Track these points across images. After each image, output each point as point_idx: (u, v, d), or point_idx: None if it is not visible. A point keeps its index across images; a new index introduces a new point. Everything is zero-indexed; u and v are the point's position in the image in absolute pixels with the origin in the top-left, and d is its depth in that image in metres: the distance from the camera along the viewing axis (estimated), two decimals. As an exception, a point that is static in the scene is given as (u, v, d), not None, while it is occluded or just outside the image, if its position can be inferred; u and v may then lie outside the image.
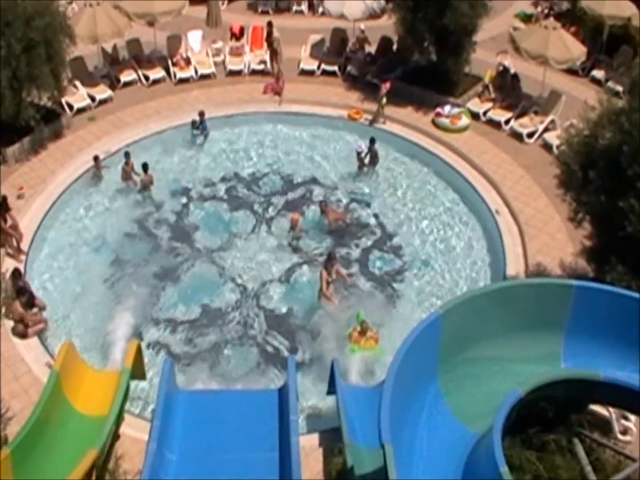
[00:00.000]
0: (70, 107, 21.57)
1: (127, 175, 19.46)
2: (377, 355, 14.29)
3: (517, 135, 20.95)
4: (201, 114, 21.23)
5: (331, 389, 12.49)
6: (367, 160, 20.26)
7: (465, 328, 10.70)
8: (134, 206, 18.97)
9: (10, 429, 11.43)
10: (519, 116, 21.40)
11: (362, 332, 14.61)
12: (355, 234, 18.30)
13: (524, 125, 21.10)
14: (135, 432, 12.14)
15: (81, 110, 21.66)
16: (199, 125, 21.33)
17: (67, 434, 10.79)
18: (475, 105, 22.08)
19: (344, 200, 19.43)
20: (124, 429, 11.92)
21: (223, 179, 20.18)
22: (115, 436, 11.47)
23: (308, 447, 11.64)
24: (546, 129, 20.93)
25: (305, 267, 17.21)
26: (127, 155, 19.60)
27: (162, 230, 18.27)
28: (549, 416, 10.79)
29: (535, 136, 20.84)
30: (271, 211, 19.05)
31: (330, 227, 18.28)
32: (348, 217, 18.74)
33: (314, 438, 12.20)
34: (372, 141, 20.11)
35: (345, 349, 14.46)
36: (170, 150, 21.07)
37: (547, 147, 20.38)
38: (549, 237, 17.41)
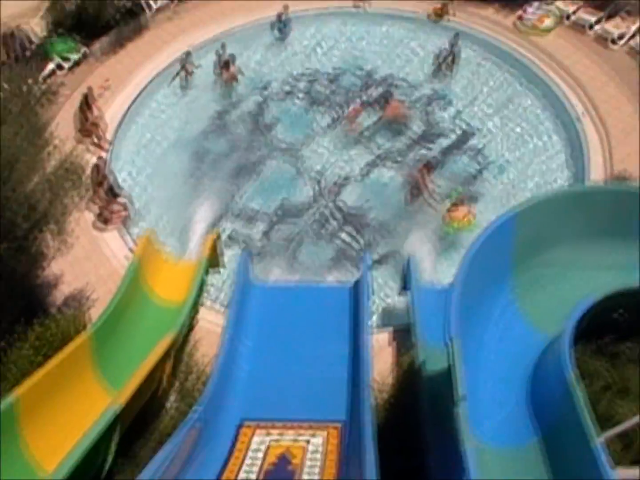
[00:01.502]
0: (150, 6, 21.14)
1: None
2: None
3: (602, 40, 19.53)
4: (285, 7, 20.49)
5: (405, 287, 12.32)
6: (447, 61, 19.34)
7: (541, 230, 10.33)
8: (216, 101, 18.60)
9: (94, 311, 11.65)
10: (609, 17, 19.99)
11: (458, 205, 14.36)
12: (432, 135, 17.53)
13: (612, 27, 19.69)
14: (211, 320, 12.21)
15: (161, 10, 21.20)
16: (282, 21, 20.62)
17: (145, 320, 11.01)
18: (564, 4, 20.70)
19: (422, 100, 18.56)
20: (201, 316, 12.02)
21: (303, 75, 19.46)
22: (191, 324, 11.62)
23: (380, 342, 11.51)
24: (635, 34, 19.48)
25: (383, 166, 16.65)
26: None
27: (242, 125, 17.91)
28: (622, 326, 10.51)
29: (623, 40, 19.42)
30: (349, 109, 18.28)
31: (387, 120, 17.52)
32: (408, 115, 17.84)
33: (386, 334, 12.05)
34: (455, 39, 19.13)
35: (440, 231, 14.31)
36: (251, 46, 20.42)
37: (634, 52, 19.00)
38: (632, 146, 16.41)
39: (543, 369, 9.09)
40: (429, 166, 15.63)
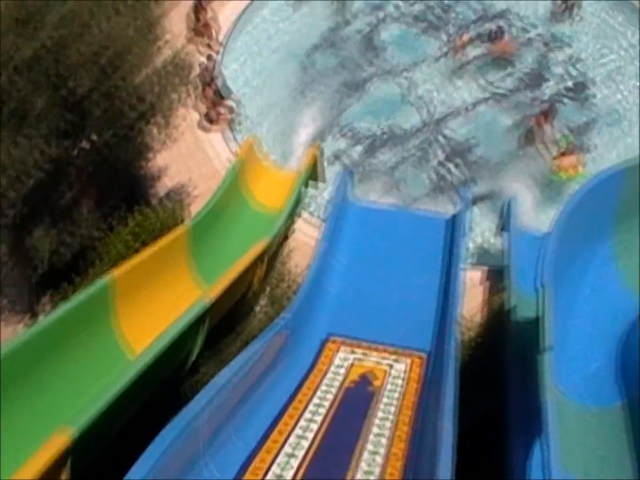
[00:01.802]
0: None
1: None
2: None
3: None
4: None
5: (503, 228, 11.96)
6: (569, 4, 18.25)
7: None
8: (329, 17, 18.03)
9: (193, 207, 11.74)
10: None
11: (566, 154, 13.82)
12: (543, 77, 16.68)
13: None
14: (308, 232, 12.17)
15: None
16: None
17: (242, 222, 11.02)
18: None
19: (536, 41, 17.55)
20: (297, 227, 12.01)
21: (418, 1, 18.53)
22: (287, 232, 11.59)
23: (472, 280, 11.26)
24: None
25: (491, 103, 16.02)
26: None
27: (353, 44, 17.37)
28: None
29: None
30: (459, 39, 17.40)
31: (495, 56, 16.77)
32: (517, 52, 16.98)
33: (479, 273, 11.79)
34: None
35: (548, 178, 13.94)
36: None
37: None
38: None
39: (636, 332, 8.71)
40: (549, 113, 14.94)
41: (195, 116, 14.59)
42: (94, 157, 11.06)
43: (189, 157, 13.63)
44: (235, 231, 10.72)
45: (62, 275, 9.64)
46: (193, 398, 6.23)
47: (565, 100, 16.18)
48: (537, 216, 13.16)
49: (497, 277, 11.17)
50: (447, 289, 9.69)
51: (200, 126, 14.58)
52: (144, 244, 9.76)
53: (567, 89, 16.45)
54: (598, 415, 7.81)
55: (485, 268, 11.98)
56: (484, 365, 9.12)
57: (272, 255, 10.72)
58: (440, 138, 15.25)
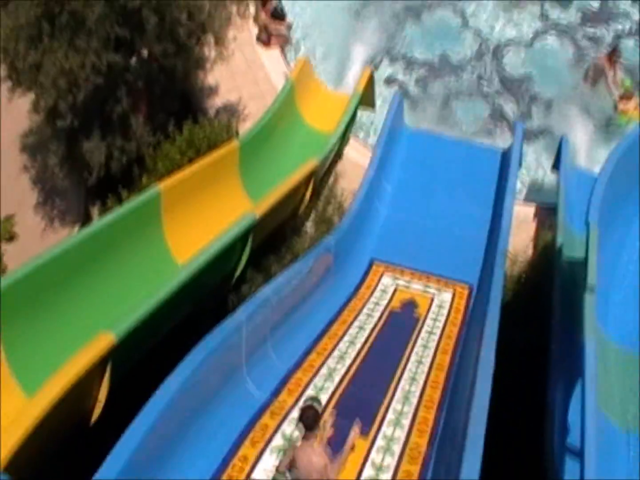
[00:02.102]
0: None
1: None
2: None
3: None
4: None
5: (556, 166, 11.60)
6: None
7: None
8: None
9: (244, 126, 11.58)
10: None
11: (628, 98, 13.29)
12: (608, 15, 15.63)
13: None
14: (358, 156, 11.92)
15: None
16: None
17: (293, 142, 10.90)
18: None
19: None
20: (346, 151, 11.76)
21: None
22: (337, 155, 11.37)
23: (522, 216, 10.99)
24: None
25: (552, 37, 15.26)
26: None
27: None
28: None
29: None
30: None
31: None
32: None
33: (530, 209, 11.50)
34: None
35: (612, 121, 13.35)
36: None
37: None
38: None
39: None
40: (615, 53, 14.29)
41: (251, 34, 14.28)
42: (146, 69, 10.94)
43: (243, 74, 13.33)
44: (286, 149, 10.61)
45: (112, 187, 9.63)
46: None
47: (629, 41, 15.52)
48: (592, 156, 12.83)
49: (548, 214, 10.89)
50: (496, 221, 9.44)
51: (256, 44, 14.27)
52: (197, 153, 9.68)
53: (633, 29, 15.73)
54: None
55: (537, 205, 11.67)
56: (529, 301, 8.96)
57: (321, 177, 10.57)
58: (496, 70, 14.66)
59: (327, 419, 5.70)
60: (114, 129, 10.51)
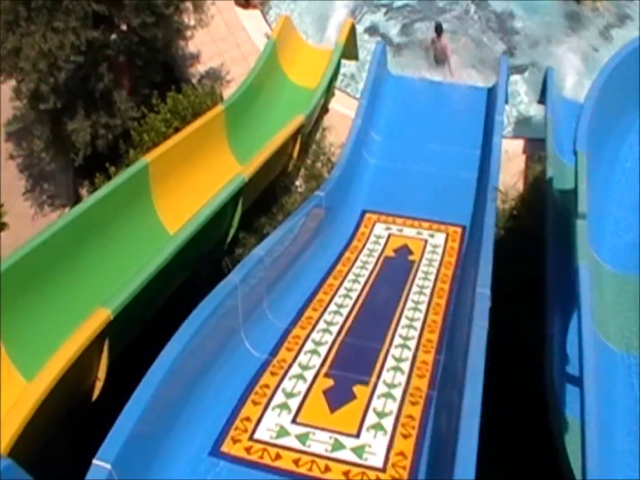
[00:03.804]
0: None
1: None
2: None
3: None
4: None
5: (542, 98, 11.34)
6: None
7: None
8: None
9: (228, 90, 11.37)
10: None
11: None
12: None
13: None
14: (343, 108, 11.72)
15: None
16: None
17: (278, 101, 10.64)
18: None
19: None
20: (332, 104, 11.55)
21: None
22: (323, 109, 11.14)
23: (511, 151, 10.78)
24: None
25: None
26: None
27: None
28: None
29: None
30: None
31: None
32: None
33: (519, 143, 11.29)
34: None
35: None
36: None
37: None
38: None
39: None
40: None
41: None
42: (126, 43, 10.70)
43: (224, 38, 13.12)
44: (271, 109, 10.36)
45: (100, 165, 9.48)
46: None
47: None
48: (578, 87, 12.56)
49: (537, 147, 10.68)
50: (486, 160, 9.22)
51: (235, 6, 13.97)
52: (184, 122, 9.51)
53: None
54: (633, 282, 7.50)
55: (526, 138, 11.45)
56: (522, 235, 8.82)
57: (308, 132, 10.36)
58: (477, 9, 14.32)
59: None
60: (97, 106, 10.33)
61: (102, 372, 5.92)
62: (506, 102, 10.54)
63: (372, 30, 14.00)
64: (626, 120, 8.93)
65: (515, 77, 12.66)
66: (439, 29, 13.37)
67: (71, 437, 5.66)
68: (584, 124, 7.61)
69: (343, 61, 11.91)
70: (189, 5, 11.23)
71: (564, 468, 5.86)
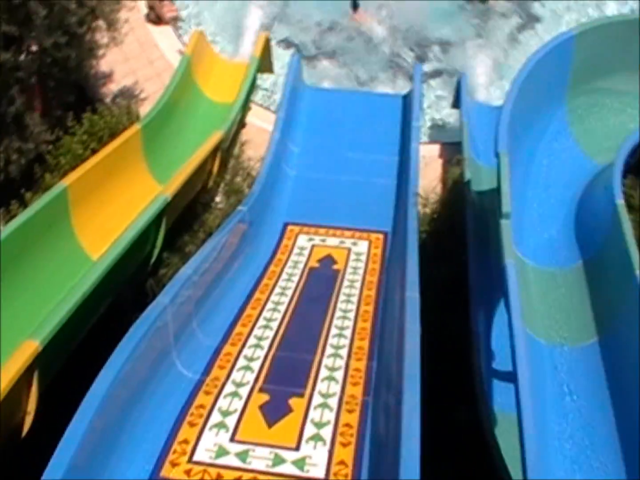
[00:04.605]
0: None
1: None
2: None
3: None
4: None
5: (456, 104, 11.62)
6: None
7: (601, 55, 9.46)
8: None
9: (143, 109, 11.21)
10: None
11: None
12: None
13: None
14: (261, 122, 11.70)
15: None
16: None
17: (195, 117, 10.54)
18: None
19: None
20: (249, 119, 11.53)
21: None
22: (240, 124, 11.12)
23: (428, 156, 10.99)
24: None
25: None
26: None
27: None
28: None
29: None
30: None
31: None
32: None
33: (435, 148, 11.51)
34: None
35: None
36: None
37: None
38: None
39: (591, 195, 8.62)
40: None
41: (140, 15, 13.79)
42: (37, 64, 10.41)
43: (137, 57, 12.88)
44: (188, 126, 10.24)
45: (14, 192, 9.18)
46: (156, 297, 6.01)
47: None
48: (490, 91, 12.90)
49: (453, 151, 10.92)
50: (404, 166, 9.39)
51: (147, 23, 13.79)
52: (101, 143, 9.31)
53: None
54: (556, 276, 7.76)
55: (442, 143, 11.68)
56: (444, 236, 8.99)
57: (227, 148, 10.31)
58: (387, 20, 14.49)
59: None
60: (9, 131, 10.01)
61: (32, 406, 5.74)
62: (421, 107, 10.78)
63: (285, 42, 14.00)
64: (541, 120, 9.29)
65: (430, 84, 12.91)
66: (355, 5, 13.84)
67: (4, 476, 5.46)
68: (504, 125, 7.85)
69: (259, 74, 11.91)
70: (101, 23, 11.02)
71: (496, 461, 6.00)
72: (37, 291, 6.73)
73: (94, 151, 9.02)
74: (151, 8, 13.94)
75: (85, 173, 7.77)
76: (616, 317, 6.61)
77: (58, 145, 9.76)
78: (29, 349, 5.61)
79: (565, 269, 7.80)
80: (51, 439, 4.37)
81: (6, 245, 6.57)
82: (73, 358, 6.39)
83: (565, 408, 6.07)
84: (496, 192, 7.47)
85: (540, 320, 7.04)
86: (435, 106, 12.84)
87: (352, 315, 7.05)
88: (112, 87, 12.08)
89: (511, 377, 5.77)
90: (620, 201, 7.48)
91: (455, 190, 9.93)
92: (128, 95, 11.81)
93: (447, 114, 12.46)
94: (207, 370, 6.08)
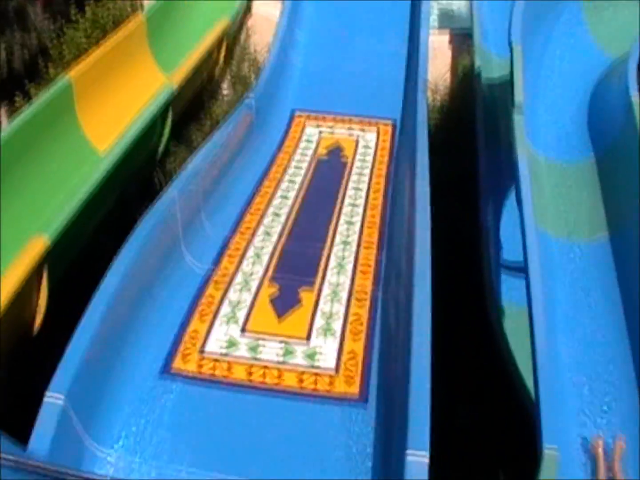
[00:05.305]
0: None
1: None
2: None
3: None
4: None
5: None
6: None
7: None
8: None
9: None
10: None
11: None
12: None
13: None
14: (267, 8, 11.02)
15: None
16: None
17: (200, 6, 9.88)
18: None
19: None
20: (255, 6, 10.91)
21: None
22: (247, 11, 10.53)
23: (438, 45, 10.42)
24: None
25: None
26: None
27: None
28: None
29: None
30: None
31: None
32: None
33: (444, 37, 10.94)
34: None
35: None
36: None
37: None
38: None
39: (605, 89, 8.23)
40: None
41: None
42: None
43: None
44: (194, 14, 9.66)
45: (19, 85, 8.77)
46: (164, 189, 5.82)
47: None
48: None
49: (463, 40, 10.39)
50: (414, 54, 8.94)
51: None
52: (99, 41, 8.83)
53: None
54: (567, 170, 7.50)
55: (451, 31, 11.12)
56: (453, 128, 8.67)
57: (233, 36, 9.87)
58: None
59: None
60: (11, 24, 9.54)
61: (42, 302, 5.65)
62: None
63: None
64: (555, 9, 8.81)
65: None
66: None
67: (14, 373, 5.41)
68: (518, 15, 7.47)
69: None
70: None
71: (502, 353, 5.95)
72: (45, 186, 6.45)
73: (98, 42, 8.60)
74: None
75: (90, 65, 7.38)
76: (629, 213, 6.40)
77: (61, 38, 9.32)
78: (38, 244, 5.50)
79: (578, 163, 7.53)
80: (63, 337, 4.29)
81: (12, 140, 6.28)
82: (82, 254, 6.25)
83: (576, 302, 5.96)
84: (509, 83, 7.15)
85: (551, 215, 6.84)
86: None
87: (361, 204, 6.89)
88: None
89: (521, 269, 5.65)
90: (635, 96, 7.15)
91: (465, 81, 9.51)
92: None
93: (458, 2, 11.82)
94: (216, 262, 5.97)
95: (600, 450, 4.87)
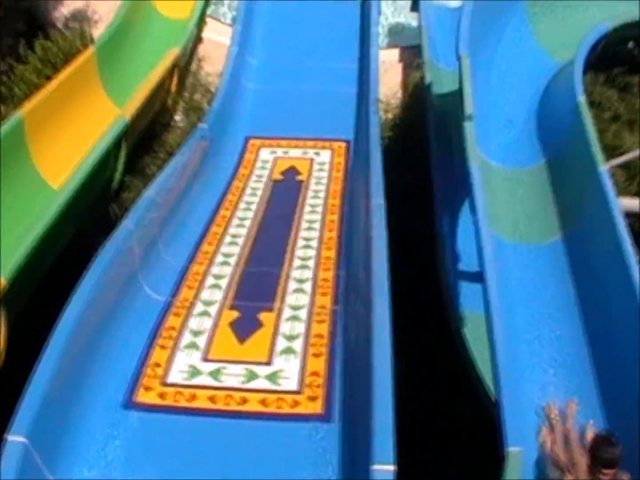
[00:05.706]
0: None
1: None
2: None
3: None
4: None
5: (415, 7, 11.07)
6: None
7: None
8: None
9: (97, 31, 10.61)
10: None
11: None
12: None
13: None
14: (218, 36, 11.07)
15: None
16: None
17: (150, 36, 9.99)
18: None
19: None
20: (206, 34, 10.94)
21: None
22: (197, 39, 10.53)
23: (388, 61, 10.52)
24: None
25: None
26: None
27: None
28: (635, 58, 9.76)
29: None
30: None
31: None
32: None
33: (394, 53, 11.06)
34: None
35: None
36: None
37: None
38: None
39: (553, 93, 8.36)
40: None
41: None
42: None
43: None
44: (144, 46, 9.69)
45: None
46: (120, 221, 5.77)
47: None
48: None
49: (413, 55, 10.51)
50: (364, 73, 9.00)
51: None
52: (55, 69, 8.83)
53: None
54: (519, 176, 7.58)
55: (401, 47, 11.23)
56: (407, 141, 8.74)
57: (184, 65, 9.83)
58: None
59: None
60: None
61: (1, 343, 5.55)
62: (379, 11, 10.30)
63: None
64: (501, 19, 8.93)
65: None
66: None
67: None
68: (465, 27, 7.55)
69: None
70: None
71: (464, 357, 5.97)
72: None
73: (49, 78, 8.55)
74: None
75: (41, 101, 7.35)
76: (580, 214, 6.48)
77: (11, 75, 9.25)
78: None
79: (529, 168, 7.61)
80: (23, 374, 4.21)
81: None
82: (40, 290, 6.16)
83: (530, 303, 6.00)
84: (458, 94, 7.21)
85: (504, 220, 6.90)
86: (393, 10, 12.29)
87: (317, 225, 6.86)
88: (63, 11, 11.39)
89: (478, 277, 5.68)
90: (582, 98, 7.26)
91: (416, 95, 9.59)
92: (80, 18, 11.15)
93: (405, 18, 11.93)
94: (175, 291, 5.89)
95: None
